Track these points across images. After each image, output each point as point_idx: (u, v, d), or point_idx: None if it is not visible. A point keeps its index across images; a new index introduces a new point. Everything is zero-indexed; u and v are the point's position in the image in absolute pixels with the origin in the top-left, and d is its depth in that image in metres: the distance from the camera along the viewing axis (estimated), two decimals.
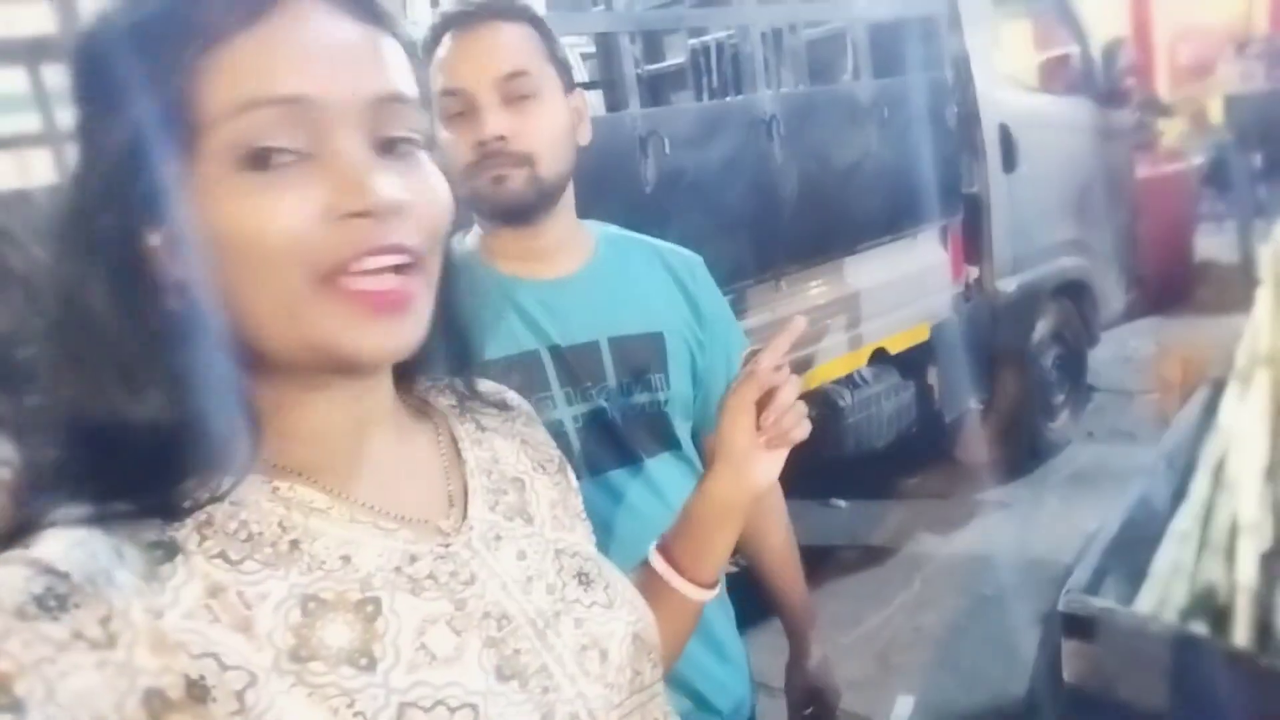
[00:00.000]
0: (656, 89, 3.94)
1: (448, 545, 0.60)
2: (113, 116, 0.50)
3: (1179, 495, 1.75)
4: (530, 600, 0.61)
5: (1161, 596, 1.50)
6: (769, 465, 0.80)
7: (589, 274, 1.19)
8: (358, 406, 0.59)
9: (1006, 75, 3.72)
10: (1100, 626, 1.27)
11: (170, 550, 0.50)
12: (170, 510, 0.50)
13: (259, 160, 0.50)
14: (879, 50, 3.23)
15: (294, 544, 0.54)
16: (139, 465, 0.50)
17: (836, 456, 3.21)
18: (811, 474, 3.55)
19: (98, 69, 0.51)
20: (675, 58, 3.95)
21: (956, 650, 2.87)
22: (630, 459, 1.17)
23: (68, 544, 0.47)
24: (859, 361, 3.18)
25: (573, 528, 0.71)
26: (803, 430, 0.80)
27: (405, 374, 0.66)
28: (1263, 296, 2.12)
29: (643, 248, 1.27)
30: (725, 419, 0.80)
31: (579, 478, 1.01)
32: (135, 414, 0.50)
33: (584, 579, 0.66)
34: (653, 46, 4.04)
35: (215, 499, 0.51)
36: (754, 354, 0.81)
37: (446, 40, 1.11)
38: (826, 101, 2.99)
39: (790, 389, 0.79)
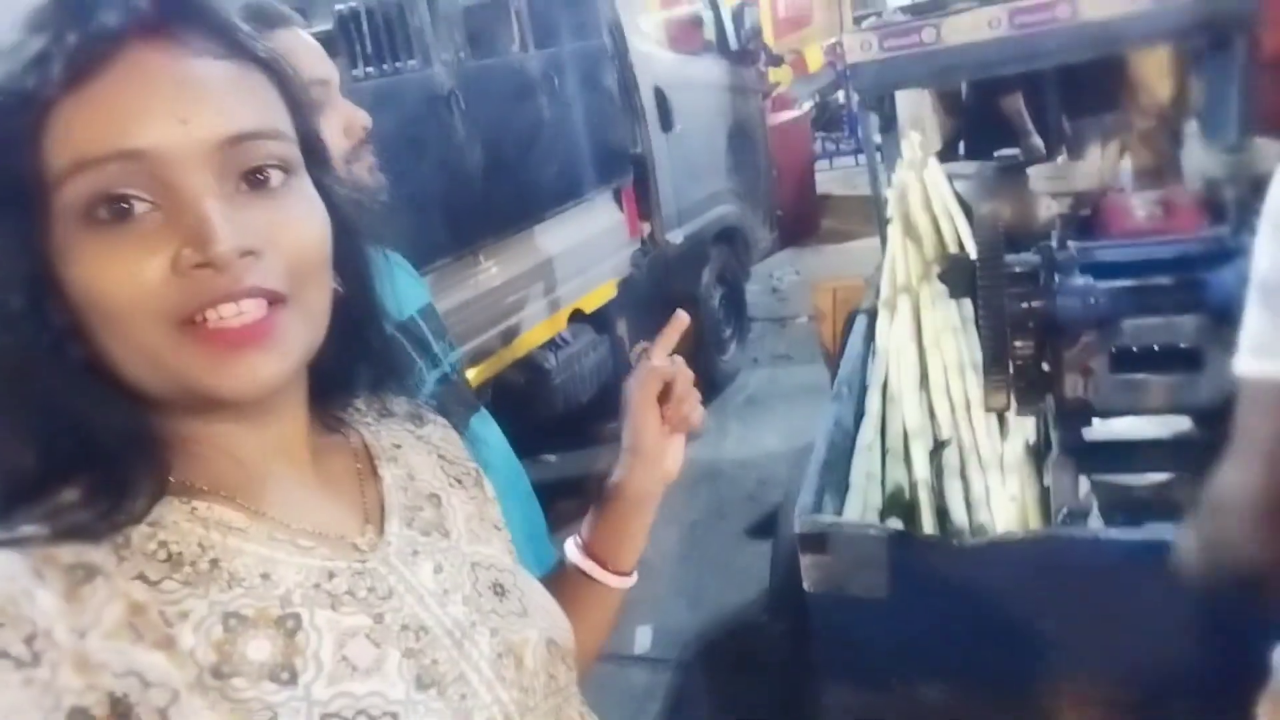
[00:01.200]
0: None
1: (365, 561, 0.61)
2: None
3: (859, 414, 2.07)
4: (447, 612, 0.62)
5: (863, 503, 1.78)
6: (677, 452, 0.85)
7: None
8: (266, 433, 0.60)
9: (656, 39, 3.97)
10: (830, 539, 1.49)
11: (90, 571, 0.50)
12: (85, 532, 0.50)
13: (111, 214, 0.50)
14: (538, 19, 3.31)
15: (214, 563, 0.54)
16: (50, 490, 0.51)
17: (550, 416, 3.33)
18: (523, 435, 3.70)
19: None
20: (322, 24, 3.75)
21: (679, 575, 3.13)
22: (474, 407, 1.36)
23: None
24: (560, 325, 3.31)
25: (489, 540, 0.72)
26: (700, 413, 0.84)
27: (322, 393, 0.66)
28: (894, 234, 2.53)
29: None
30: (634, 416, 0.83)
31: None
32: (31, 450, 0.51)
33: (499, 590, 0.68)
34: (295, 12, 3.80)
35: (131, 521, 0.52)
36: (643, 350, 0.86)
37: (278, 34, 1.11)
38: (502, 74, 3.02)
39: (685, 376, 0.84)
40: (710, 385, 4.42)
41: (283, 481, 0.61)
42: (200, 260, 0.50)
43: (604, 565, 0.84)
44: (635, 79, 3.70)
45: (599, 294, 3.53)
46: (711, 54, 4.54)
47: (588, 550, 0.85)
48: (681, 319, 0.88)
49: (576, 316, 3.46)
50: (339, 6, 3.62)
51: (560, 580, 0.83)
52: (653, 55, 3.88)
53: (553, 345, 3.31)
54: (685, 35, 4.68)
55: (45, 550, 0.49)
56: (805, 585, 1.53)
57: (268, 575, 0.56)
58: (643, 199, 3.84)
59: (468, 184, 2.81)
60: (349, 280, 0.63)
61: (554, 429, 3.72)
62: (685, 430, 0.85)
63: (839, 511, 1.73)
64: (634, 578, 0.88)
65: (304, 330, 0.56)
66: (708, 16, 4.60)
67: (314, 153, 0.60)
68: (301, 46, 1.16)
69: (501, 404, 3.15)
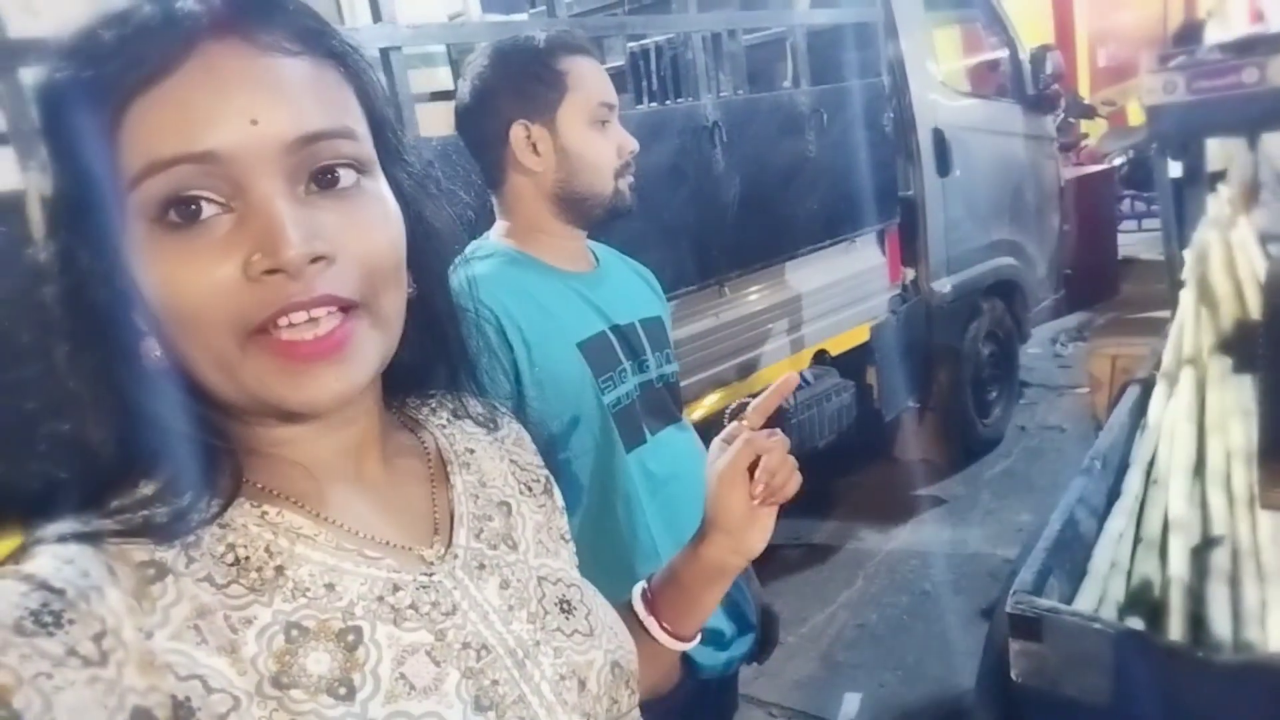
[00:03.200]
0: None
1: (431, 575, 0.60)
2: (60, 164, 0.51)
3: (1113, 494, 1.82)
4: (510, 630, 0.61)
5: (1100, 593, 1.56)
6: (765, 525, 0.80)
7: (605, 269, 1.38)
8: (337, 438, 0.59)
9: (939, 80, 3.79)
10: (1046, 626, 1.31)
11: (161, 570, 0.50)
12: (160, 531, 0.51)
13: (182, 217, 0.49)
14: (817, 56, 3.27)
15: (279, 570, 0.54)
16: (128, 487, 0.52)
17: None
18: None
19: (49, 113, 0.51)
20: (614, 61, 3.95)
21: (900, 646, 2.92)
22: (674, 419, 1.39)
23: (60, 561, 0.48)
24: (802, 364, 3.22)
25: (557, 552, 0.71)
26: (795, 483, 0.79)
27: (396, 390, 0.66)
28: (1186, 299, 2.22)
29: (614, 252, 1.46)
30: (721, 487, 0.79)
31: (641, 442, 1.26)
32: (110, 446, 0.52)
33: (566, 606, 0.66)
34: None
35: (205, 521, 0.52)
36: (740, 406, 0.81)
37: (579, 60, 1.28)
38: (768, 107, 3.01)
39: (781, 449, 0.79)
40: (967, 450, 4.12)
41: (354, 487, 0.60)
42: (271, 265, 0.49)
43: (664, 626, 0.80)
44: (914, 119, 3.56)
45: (848, 337, 3.40)
46: (1005, 99, 4.27)
47: (651, 606, 0.81)
48: (790, 381, 0.82)
49: (822, 358, 3.35)
50: (631, 45, 3.82)
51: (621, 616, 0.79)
52: (934, 95, 3.70)
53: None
54: (979, 78, 4.44)
55: (119, 546, 0.50)
56: (1013, 673, 1.36)
57: (332, 586, 0.55)
58: (908, 243, 3.66)
59: (721, 215, 2.81)
60: (425, 278, 0.62)
61: None
62: (777, 502, 0.80)
63: (1067, 600, 1.52)
64: (695, 642, 0.83)
65: (378, 338, 0.55)
66: (1004, 60, 4.34)
67: (390, 149, 0.59)
68: (596, 71, 1.31)
69: None
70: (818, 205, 3.15)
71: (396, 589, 0.57)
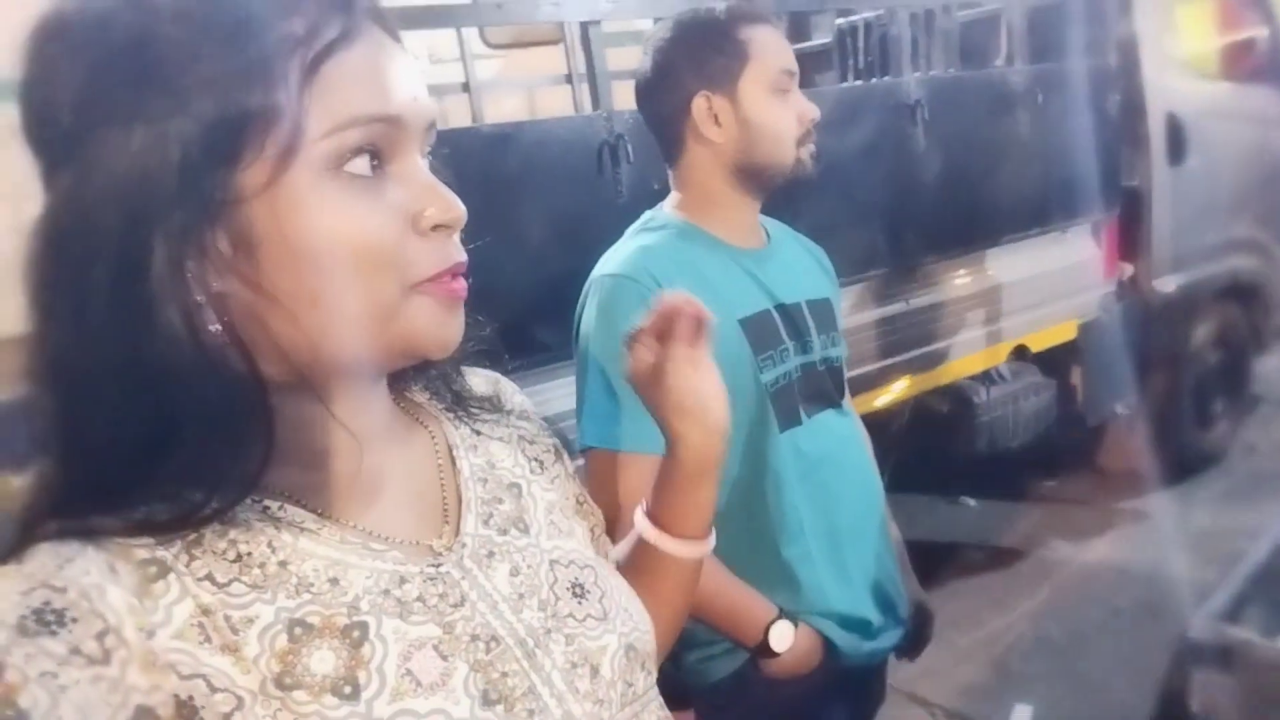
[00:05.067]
0: (801, 69, 3.86)
1: (438, 565, 0.59)
2: (186, 115, 0.48)
3: None
4: (521, 619, 0.60)
5: None
6: (711, 390, 0.76)
7: (776, 246, 1.37)
8: (360, 419, 0.59)
9: (1180, 61, 3.46)
10: (1237, 658, 1.20)
11: (162, 568, 0.50)
12: (161, 529, 0.50)
13: (365, 169, 0.52)
14: (1037, 33, 3.07)
15: (282, 564, 0.54)
16: (137, 481, 0.50)
17: (968, 454, 3.11)
18: (942, 470, 3.50)
19: (180, 62, 0.48)
20: (822, 38, 3.87)
21: (1081, 663, 2.74)
22: (833, 403, 1.36)
23: (60, 559, 0.47)
24: (998, 358, 3.06)
25: (570, 531, 0.70)
26: (694, 311, 0.72)
27: (399, 378, 0.67)
28: None
29: (787, 230, 1.44)
30: (640, 387, 0.76)
31: (797, 423, 1.26)
32: (145, 429, 0.50)
33: (578, 590, 0.65)
34: (799, 26, 3.96)
35: (208, 518, 0.51)
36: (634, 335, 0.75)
37: (759, 28, 1.29)
38: (976, 86, 2.87)
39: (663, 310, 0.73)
40: (1181, 464, 3.78)
41: (361, 481, 0.59)
42: (444, 221, 0.54)
43: (675, 535, 0.78)
44: (1144, 103, 3.27)
45: (1052, 333, 3.20)
46: (1260, 83, 3.84)
47: (656, 521, 0.78)
48: (692, 304, 0.73)
49: (1022, 354, 3.17)
50: (839, 21, 3.74)
51: (633, 551, 0.79)
52: (1171, 77, 3.39)
53: (986, 379, 3.07)
54: (1231, 59, 4.02)
55: (120, 543, 0.49)
56: (1193, 706, 1.26)
57: (336, 580, 0.55)
58: (1129, 237, 3.38)
59: (918, 197, 2.71)
60: None
61: (978, 472, 3.46)
62: (692, 339, 0.73)
63: (1269, 634, 1.38)
64: (711, 540, 0.80)
65: None
66: (1264, 39, 3.89)
67: None
68: (776, 39, 1.31)
69: (919, 429, 3.03)
70: (1027, 191, 2.98)
71: (403, 581, 0.57)
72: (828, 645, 1.27)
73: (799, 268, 1.38)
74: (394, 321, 0.54)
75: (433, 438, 0.67)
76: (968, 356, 2.97)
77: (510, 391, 0.77)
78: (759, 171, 1.29)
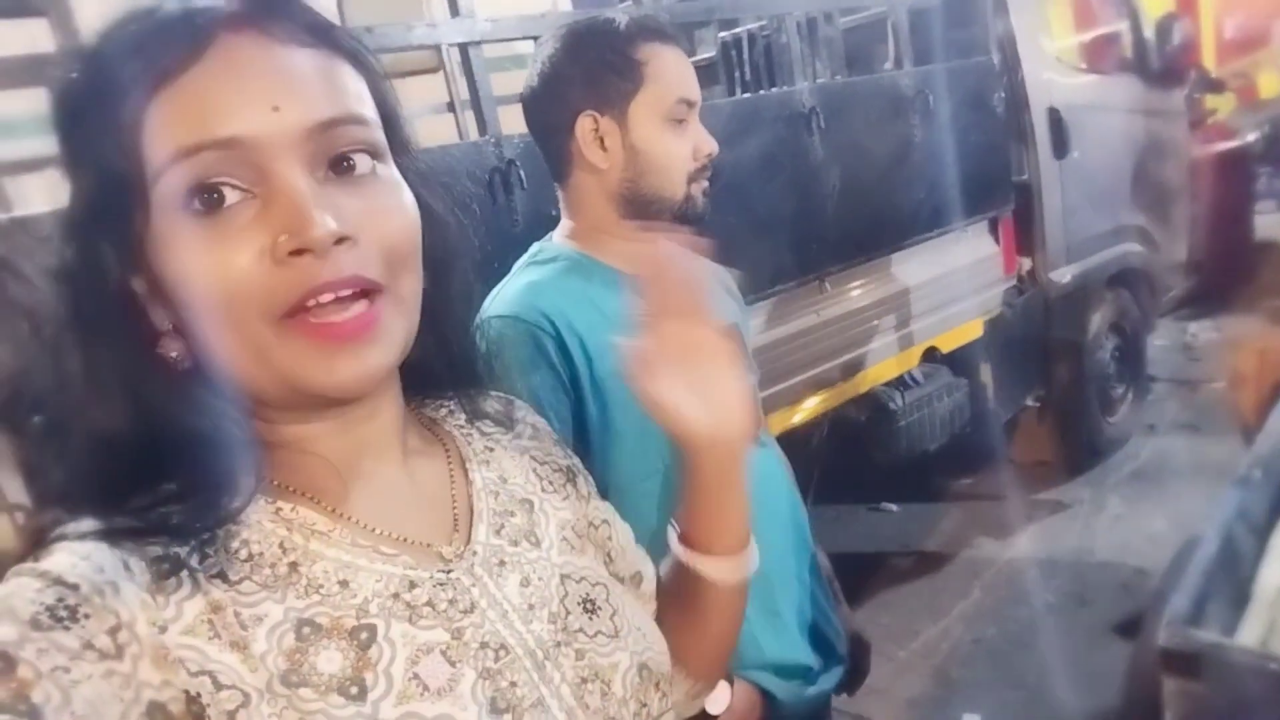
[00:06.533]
0: None
1: (449, 571, 0.59)
2: (81, 165, 0.51)
3: (1277, 508, 1.61)
4: (530, 629, 0.60)
5: (1268, 625, 1.37)
6: (724, 390, 0.65)
7: None
8: (359, 432, 0.58)
9: (1054, 57, 3.54)
10: (1206, 663, 1.14)
11: (175, 564, 0.51)
12: (175, 531, 0.51)
13: (205, 205, 0.50)
14: (921, 35, 3.09)
15: (293, 566, 0.54)
16: (145, 486, 0.51)
17: (888, 460, 3.08)
18: (861, 477, 3.47)
19: (69, 116, 0.52)
20: (705, 52, 3.83)
21: (1021, 663, 2.73)
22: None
23: (75, 557, 0.48)
24: (910, 362, 3.04)
25: (583, 549, 0.69)
26: (688, 283, 0.65)
27: (412, 391, 0.65)
28: None
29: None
30: (646, 402, 0.65)
31: None
32: (131, 443, 0.51)
33: (589, 606, 0.64)
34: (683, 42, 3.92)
35: (226, 519, 0.52)
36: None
37: (661, 49, 1.16)
38: (868, 91, 2.85)
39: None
40: (1091, 450, 3.85)
41: (372, 483, 0.59)
42: (297, 246, 0.50)
43: (711, 553, 0.71)
44: (1026, 98, 3.32)
45: (960, 333, 3.20)
46: (1128, 74, 3.96)
47: (689, 543, 0.72)
48: (677, 266, 0.64)
49: (931, 355, 3.16)
50: (722, 34, 3.70)
51: (673, 577, 0.74)
52: (1049, 73, 3.46)
53: (901, 384, 3.04)
54: (1098, 53, 4.14)
55: (135, 542, 0.50)
56: (1167, 717, 1.19)
57: (346, 583, 0.55)
58: (1024, 231, 3.42)
59: (820, 206, 2.67)
60: (433, 269, 0.60)
61: (896, 476, 3.45)
62: (686, 315, 0.63)
63: (1229, 631, 1.34)
64: (746, 559, 0.72)
65: (401, 320, 0.55)
66: (1125, 32, 4.03)
67: (399, 141, 0.59)
68: (678, 63, 1.18)
69: (838, 440, 2.99)
70: (924, 193, 2.97)
71: (413, 586, 0.57)
72: (767, 698, 1.17)
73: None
74: (271, 361, 0.52)
75: (446, 451, 0.67)
76: (882, 363, 2.94)
77: (525, 412, 0.76)
78: (644, 204, 1.18)
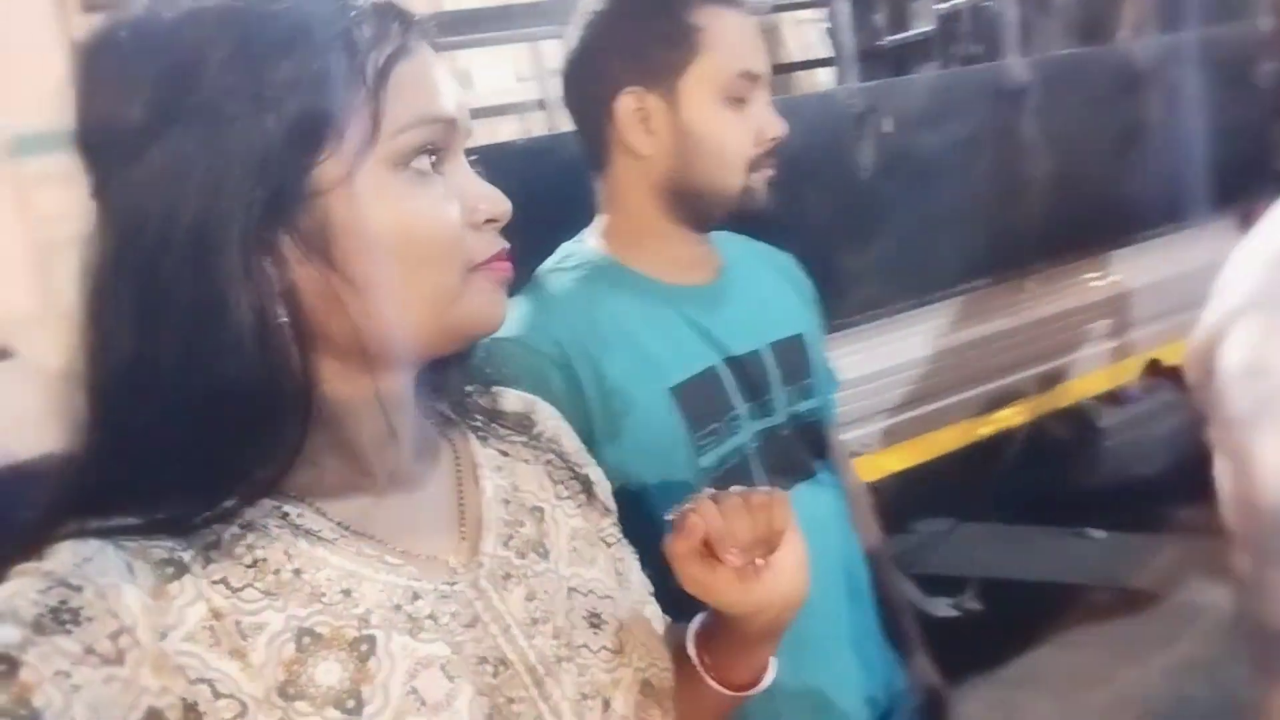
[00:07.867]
0: (902, 61, 3.58)
1: (453, 584, 0.60)
2: (270, 113, 0.51)
3: None
4: (533, 644, 0.61)
5: None
6: (779, 570, 0.65)
7: (729, 277, 1.10)
8: (394, 415, 0.60)
9: None
10: None
11: (179, 569, 0.51)
12: (179, 522, 0.51)
13: (428, 166, 0.57)
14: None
15: (297, 572, 0.54)
16: (163, 477, 0.52)
17: (1092, 483, 2.79)
18: (1064, 500, 3.15)
19: (263, 63, 0.52)
20: (922, 25, 3.58)
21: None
22: (806, 472, 1.09)
23: (80, 558, 0.49)
24: (1127, 375, 2.74)
25: (592, 560, 0.69)
26: (779, 512, 0.63)
27: (431, 389, 0.67)
28: None
29: (750, 246, 1.18)
30: (688, 584, 0.65)
31: None
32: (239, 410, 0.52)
33: (595, 620, 0.65)
34: (898, 15, 3.68)
35: (222, 518, 0.53)
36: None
37: (723, 11, 1.01)
38: (1094, 66, 2.54)
39: (710, 507, 0.63)
40: None
41: (381, 490, 0.60)
42: (494, 215, 0.59)
43: (720, 681, 0.70)
44: None
45: None
46: None
47: (703, 647, 0.70)
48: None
49: (1156, 369, 2.82)
50: (937, 6, 3.43)
51: (673, 656, 0.71)
52: None
53: (1114, 399, 2.74)
54: None
55: (139, 543, 0.50)
56: None
57: (349, 592, 0.55)
58: None
59: (1025, 196, 2.42)
60: None
61: (1105, 500, 3.10)
62: (771, 551, 0.64)
63: None
64: (764, 684, 0.71)
65: None
66: None
67: None
68: (742, 29, 1.02)
69: (1036, 457, 2.73)
70: (1157, 182, 2.63)
71: (416, 597, 0.58)
72: None
73: (759, 300, 1.10)
74: (455, 304, 0.57)
75: (456, 455, 0.68)
76: (1091, 375, 2.68)
77: (546, 415, 0.77)
78: (693, 198, 1.02)
